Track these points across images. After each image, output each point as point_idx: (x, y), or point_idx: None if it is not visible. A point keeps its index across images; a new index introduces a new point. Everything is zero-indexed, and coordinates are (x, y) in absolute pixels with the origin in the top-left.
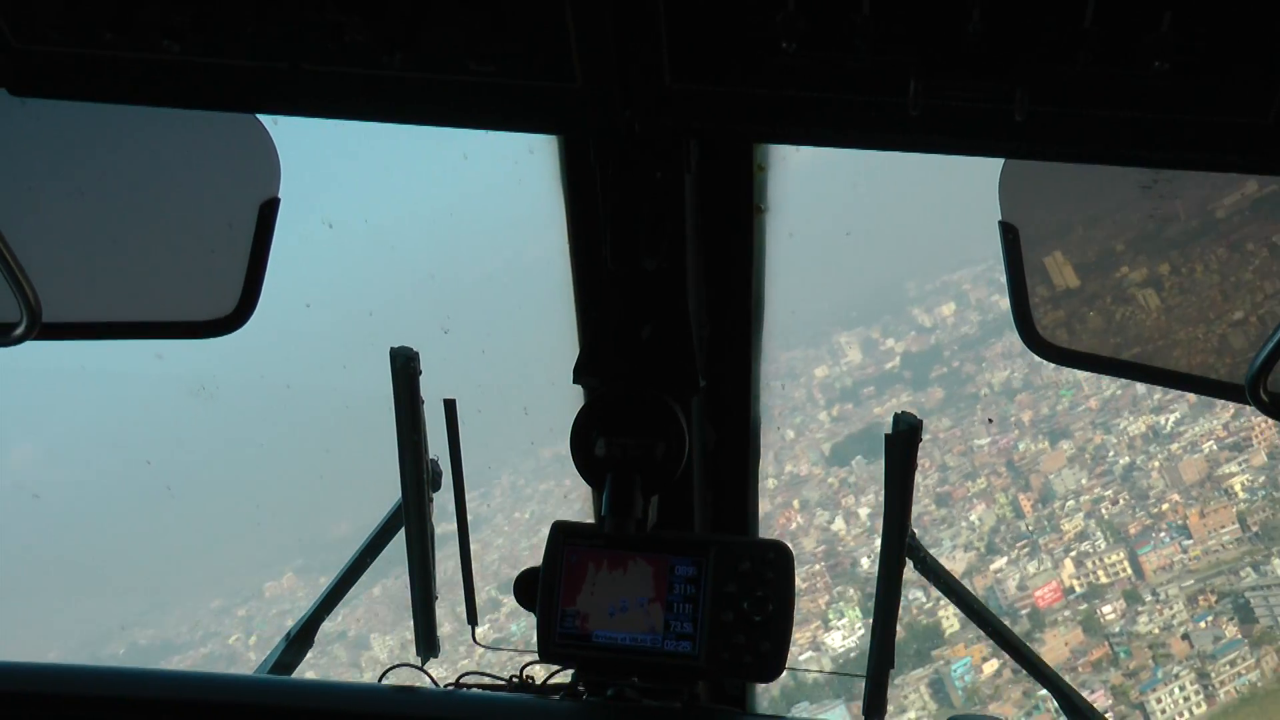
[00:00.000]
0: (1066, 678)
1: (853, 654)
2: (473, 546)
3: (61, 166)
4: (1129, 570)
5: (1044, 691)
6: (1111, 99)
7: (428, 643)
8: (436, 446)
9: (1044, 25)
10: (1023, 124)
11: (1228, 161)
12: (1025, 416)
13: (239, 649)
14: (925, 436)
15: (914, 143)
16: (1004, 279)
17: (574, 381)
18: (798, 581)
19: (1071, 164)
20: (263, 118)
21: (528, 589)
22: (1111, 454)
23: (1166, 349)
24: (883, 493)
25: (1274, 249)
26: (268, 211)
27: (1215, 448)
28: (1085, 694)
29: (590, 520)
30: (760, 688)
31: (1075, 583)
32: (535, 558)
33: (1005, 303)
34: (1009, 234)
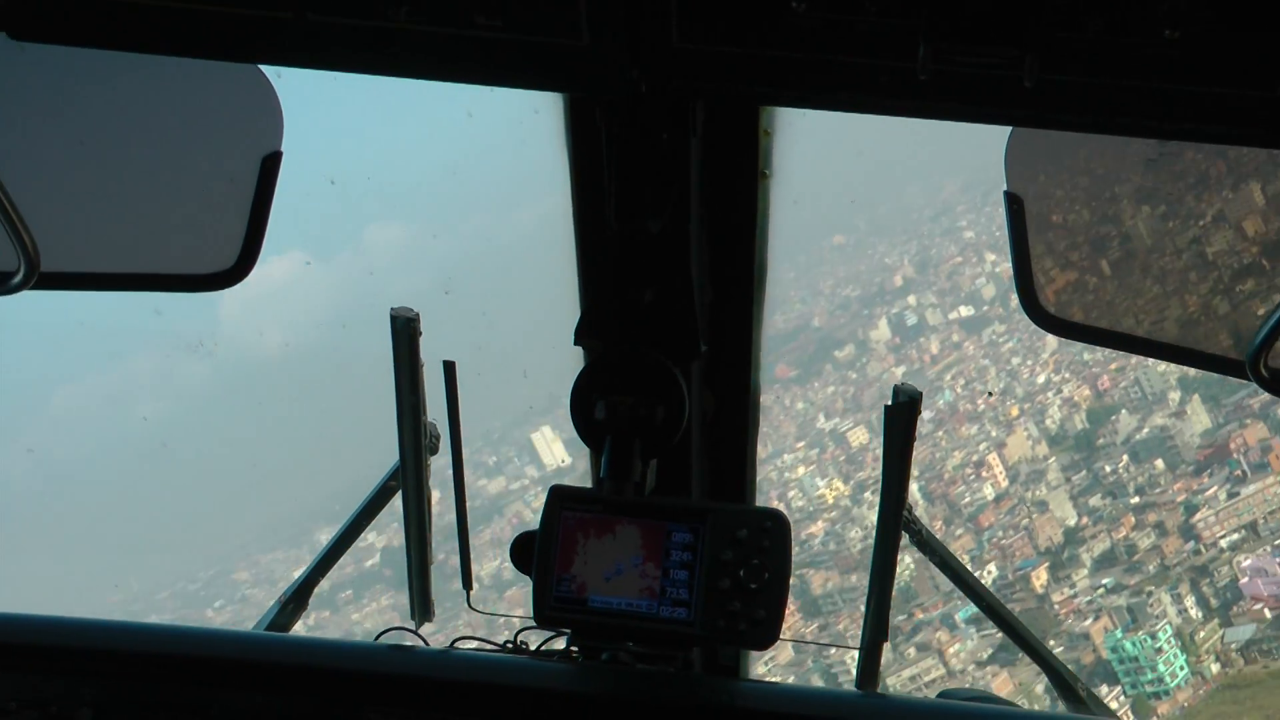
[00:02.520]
0: None
1: None
2: None
3: (63, 114)
4: None
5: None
6: (1121, 67)
7: (423, 607)
8: (435, 410)
9: None
10: (1031, 91)
11: (1236, 134)
12: None
13: None
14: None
15: (922, 108)
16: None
17: (575, 344)
18: None
19: (1078, 135)
20: (266, 69)
21: (524, 553)
22: None
23: (1168, 323)
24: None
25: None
26: (270, 165)
27: None
28: None
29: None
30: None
31: None
32: None
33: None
34: (1014, 204)
